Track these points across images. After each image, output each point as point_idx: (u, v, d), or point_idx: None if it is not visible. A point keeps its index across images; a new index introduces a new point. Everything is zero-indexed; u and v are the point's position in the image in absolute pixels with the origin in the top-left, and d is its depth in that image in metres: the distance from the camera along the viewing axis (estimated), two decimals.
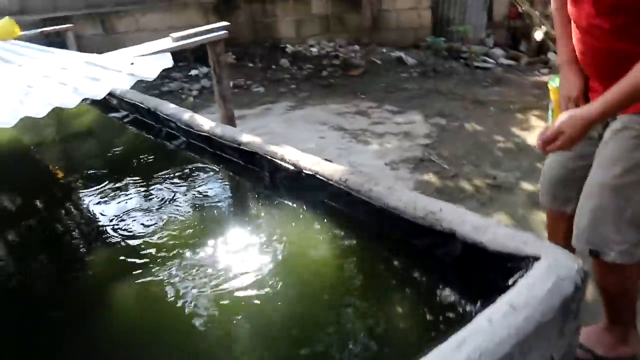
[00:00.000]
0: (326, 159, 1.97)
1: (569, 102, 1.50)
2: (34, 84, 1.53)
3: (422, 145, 3.48)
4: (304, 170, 1.87)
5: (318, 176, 1.81)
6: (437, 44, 6.19)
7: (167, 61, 1.67)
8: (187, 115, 2.59)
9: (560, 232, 1.75)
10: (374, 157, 3.32)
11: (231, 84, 5.75)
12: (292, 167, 1.92)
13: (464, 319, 1.16)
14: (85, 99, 1.44)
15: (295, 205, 1.93)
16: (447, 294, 1.38)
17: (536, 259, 1.20)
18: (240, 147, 2.19)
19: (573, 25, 1.45)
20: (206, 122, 2.44)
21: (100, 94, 1.41)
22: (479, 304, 1.12)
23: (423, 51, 6.29)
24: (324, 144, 3.61)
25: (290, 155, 1.96)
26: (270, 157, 2.03)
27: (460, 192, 2.76)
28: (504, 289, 1.12)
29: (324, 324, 1.32)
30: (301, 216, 1.84)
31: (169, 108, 2.78)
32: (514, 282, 1.12)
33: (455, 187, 2.82)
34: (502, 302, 1.02)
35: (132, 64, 1.63)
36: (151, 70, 1.57)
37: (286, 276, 1.51)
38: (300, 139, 3.70)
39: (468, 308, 1.23)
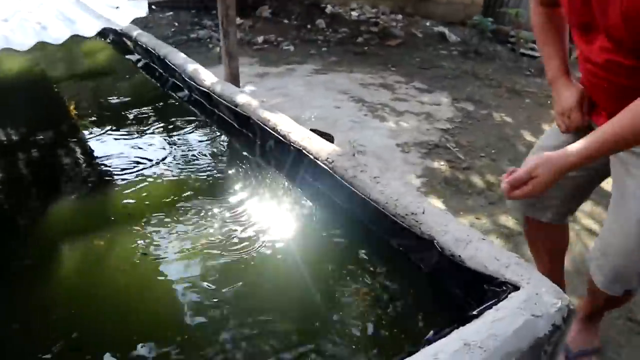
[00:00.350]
0: (324, 133, 1.82)
1: (563, 117, 1.38)
2: (10, 19, 1.44)
3: (441, 129, 3.26)
4: (292, 144, 1.73)
5: (305, 152, 1.67)
6: (483, 23, 5.81)
7: (142, 10, 1.54)
8: (192, 67, 2.46)
9: (539, 242, 1.70)
10: (386, 135, 3.12)
11: (261, 38, 5.58)
12: (281, 138, 1.79)
13: (416, 341, 1.03)
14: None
15: (280, 178, 1.81)
16: (410, 306, 1.24)
17: (515, 287, 1.05)
18: (237, 108, 2.05)
19: (581, 57, 1.30)
20: (208, 78, 2.31)
21: (60, 39, 1.31)
22: (431, 332, 0.97)
23: (469, 29, 5.93)
24: (338, 114, 3.42)
25: (282, 125, 1.82)
26: (263, 123, 1.90)
27: (469, 186, 2.56)
28: (469, 318, 0.98)
29: (260, 307, 1.22)
30: (281, 192, 1.71)
31: (177, 57, 2.65)
32: (480, 312, 0.97)
33: (465, 180, 2.62)
34: (456, 337, 0.88)
35: (117, 7, 1.50)
36: (124, 18, 1.46)
37: (244, 253, 1.40)
38: (315, 106, 3.53)
39: (427, 327, 1.09)
